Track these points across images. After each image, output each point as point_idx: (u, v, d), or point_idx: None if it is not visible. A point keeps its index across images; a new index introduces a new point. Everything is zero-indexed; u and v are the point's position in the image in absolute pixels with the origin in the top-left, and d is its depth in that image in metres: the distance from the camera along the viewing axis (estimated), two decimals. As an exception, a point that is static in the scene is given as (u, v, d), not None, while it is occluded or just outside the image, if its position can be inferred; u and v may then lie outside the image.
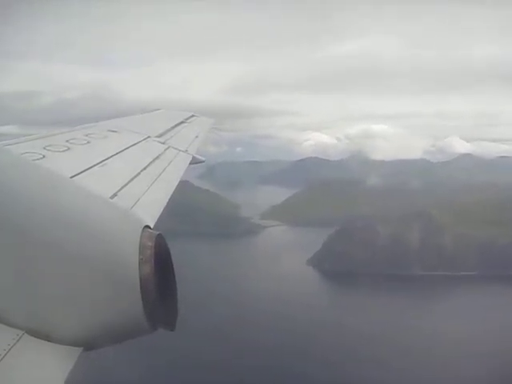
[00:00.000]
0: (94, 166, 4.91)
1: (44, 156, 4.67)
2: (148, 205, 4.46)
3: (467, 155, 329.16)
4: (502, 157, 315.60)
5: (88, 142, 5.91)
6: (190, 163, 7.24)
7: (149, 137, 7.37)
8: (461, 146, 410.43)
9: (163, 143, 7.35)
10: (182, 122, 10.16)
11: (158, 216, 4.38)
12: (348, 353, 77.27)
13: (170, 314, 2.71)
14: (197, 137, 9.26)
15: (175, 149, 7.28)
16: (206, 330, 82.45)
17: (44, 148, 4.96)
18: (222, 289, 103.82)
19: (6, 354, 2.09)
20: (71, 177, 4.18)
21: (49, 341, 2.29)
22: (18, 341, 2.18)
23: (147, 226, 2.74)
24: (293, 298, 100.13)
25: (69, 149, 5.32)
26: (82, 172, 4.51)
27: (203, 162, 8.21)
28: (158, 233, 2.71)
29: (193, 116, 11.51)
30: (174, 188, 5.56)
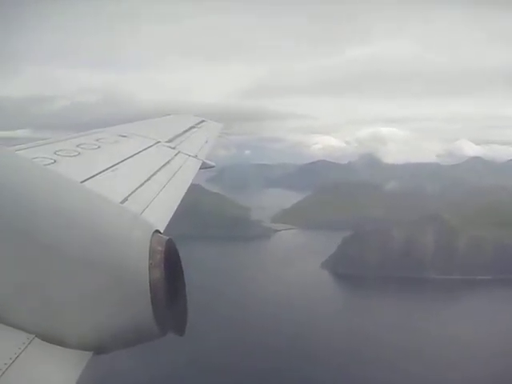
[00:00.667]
0: (105, 170, 4.94)
1: (55, 161, 4.71)
2: (158, 209, 4.49)
3: (477, 158, 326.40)
4: (511, 160, 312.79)
5: (98, 147, 5.95)
6: (200, 168, 7.29)
7: (159, 142, 7.40)
8: (470, 149, 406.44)
9: (173, 148, 7.38)
10: (192, 127, 10.20)
11: (168, 221, 4.41)
12: (363, 357, 76.91)
13: (179, 319, 2.73)
14: (207, 142, 9.32)
15: (185, 154, 7.32)
16: (225, 334, 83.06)
17: (55, 153, 5.01)
18: (240, 292, 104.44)
19: (16, 358, 2.11)
20: (82, 181, 4.21)
21: (59, 345, 2.30)
22: (28, 345, 2.20)
23: (157, 231, 2.76)
24: (311, 302, 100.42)
25: (79, 154, 5.36)
26: (92, 177, 4.54)
27: (213, 167, 8.25)
28: (168, 237, 2.71)
29: (203, 121, 11.58)
30: (184, 193, 5.60)
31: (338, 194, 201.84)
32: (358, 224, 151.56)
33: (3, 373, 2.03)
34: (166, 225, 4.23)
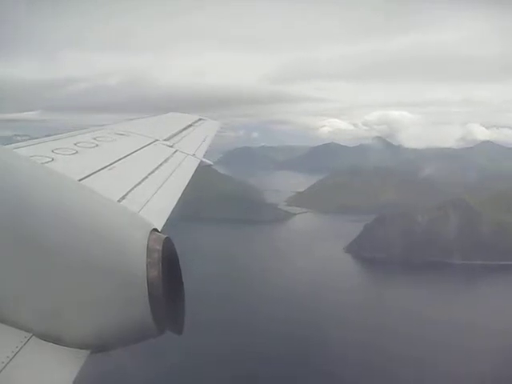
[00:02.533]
0: (102, 169, 4.99)
1: (53, 159, 4.76)
2: (156, 208, 4.48)
3: (488, 142, 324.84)
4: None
5: (96, 146, 6.03)
6: (198, 167, 7.27)
7: (156, 140, 7.51)
8: (481, 133, 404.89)
9: (171, 147, 7.45)
10: (189, 126, 10.32)
11: (165, 219, 4.39)
12: (392, 342, 75.17)
13: (177, 318, 2.74)
14: (204, 140, 9.41)
15: (183, 152, 7.37)
16: (250, 316, 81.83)
17: (52, 151, 5.06)
18: (263, 278, 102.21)
19: (14, 357, 2.12)
20: (79, 180, 4.23)
21: (57, 343, 2.31)
22: (25, 343, 2.21)
23: (155, 229, 2.78)
24: (340, 288, 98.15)
25: (77, 152, 5.43)
26: (90, 175, 4.59)
27: (211, 165, 8.27)
28: (165, 236, 2.73)
29: (200, 119, 11.74)
30: (182, 191, 5.57)
31: (352, 177, 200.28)
32: (375, 208, 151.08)
33: (0, 371, 2.04)
34: (163, 223, 4.18)
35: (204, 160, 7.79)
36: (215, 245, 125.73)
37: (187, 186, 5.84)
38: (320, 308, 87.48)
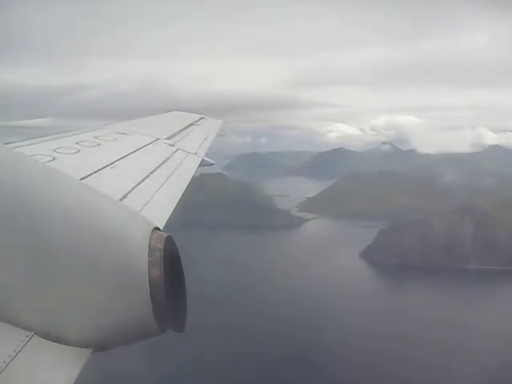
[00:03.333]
0: (104, 168, 5.00)
1: (54, 158, 4.78)
2: (157, 207, 4.51)
3: (496, 146, 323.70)
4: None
5: (98, 145, 6.04)
6: (200, 166, 7.29)
7: (158, 139, 7.50)
8: (489, 137, 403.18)
9: (172, 145, 7.46)
10: (191, 124, 10.32)
11: (167, 218, 4.39)
12: (409, 349, 75.19)
13: (179, 316, 2.73)
14: (206, 139, 9.38)
15: (184, 151, 7.37)
16: (270, 321, 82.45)
17: (54, 150, 5.08)
18: (288, 280, 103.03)
19: (16, 356, 2.11)
20: (81, 179, 4.25)
21: (58, 342, 2.31)
22: (27, 342, 2.20)
23: (157, 228, 2.78)
24: (357, 292, 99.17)
25: (79, 151, 5.43)
26: (91, 174, 4.60)
27: (213, 164, 8.22)
28: (167, 235, 2.73)
29: (202, 118, 11.70)
30: (183, 190, 5.56)
31: (362, 183, 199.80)
32: (386, 213, 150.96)
33: (2, 370, 2.03)
34: (165, 222, 4.19)
35: (205, 159, 7.80)
36: (239, 250, 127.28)
37: (188, 185, 5.84)
38: (340, 315, 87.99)
